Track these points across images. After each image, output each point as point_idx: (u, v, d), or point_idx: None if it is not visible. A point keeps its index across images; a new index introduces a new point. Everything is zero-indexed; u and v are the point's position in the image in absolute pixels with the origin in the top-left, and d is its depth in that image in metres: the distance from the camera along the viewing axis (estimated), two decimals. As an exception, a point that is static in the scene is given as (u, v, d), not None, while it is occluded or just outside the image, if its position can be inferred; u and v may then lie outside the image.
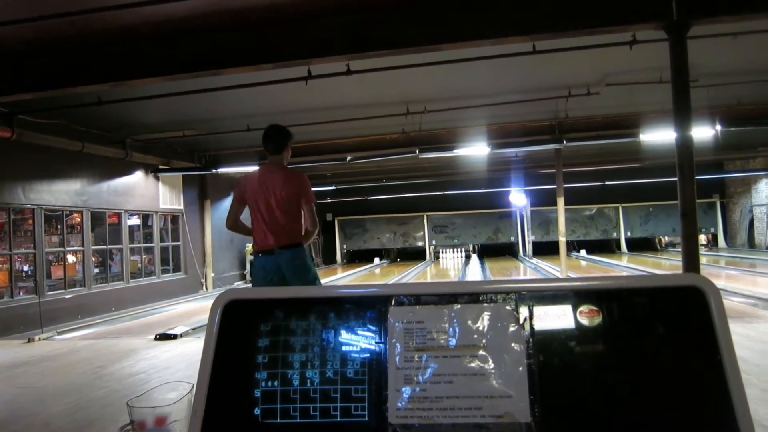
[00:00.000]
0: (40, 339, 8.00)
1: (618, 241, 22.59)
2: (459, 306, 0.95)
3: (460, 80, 8.60)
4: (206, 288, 14.83)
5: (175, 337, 7.42)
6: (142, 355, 6.41)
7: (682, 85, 5.04)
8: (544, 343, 0.91)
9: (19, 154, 9.10)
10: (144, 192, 12.79)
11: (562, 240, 13.25)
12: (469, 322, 0.94)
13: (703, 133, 10.31)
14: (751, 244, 19.75)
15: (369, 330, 0.97)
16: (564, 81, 8.92)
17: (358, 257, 23.47)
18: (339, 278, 17.44)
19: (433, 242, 23.29)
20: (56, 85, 6.41)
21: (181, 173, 13.99)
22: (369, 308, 0.98)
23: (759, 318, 7.19)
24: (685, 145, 5.05)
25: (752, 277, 13.00)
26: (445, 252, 23.24)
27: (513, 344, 0.91)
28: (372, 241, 23.51)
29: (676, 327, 0.90)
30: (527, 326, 0.92)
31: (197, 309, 11.27)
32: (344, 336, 0.97)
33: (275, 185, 4.37)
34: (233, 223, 4.59)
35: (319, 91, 7.90)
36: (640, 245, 22.43)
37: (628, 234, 22.44)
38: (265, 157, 4.65)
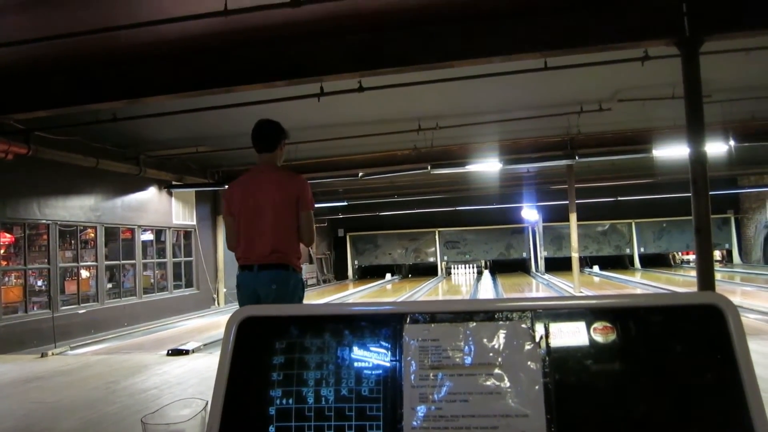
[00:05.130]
0: (53, 354, 8.03)
1: (631, 257, 22.47)
2: (474, 324, 0.95)
3: (471, 96, 8.62)
4: (218, 303, 14.85)
5: (187, 352, 7.42)
6: (154, 370, 6.42)
7: (695, 100, 5.04)
8: (560, 362, 0.90)
9: (35, 170, 9.20)
10: (157, 207, 12.88)
11: (575, 256, 13.20)
12: (485, 340, 0.93)
13: (717, 148, 10.25)
14: (766, 260, 19.56)
15: (384, 348, 0.96)
16: (576, 97, 8.92)
17: (369, 273, 23.45)
18: (350, 294, 17.43)
19: (445, 258, 23.25)
20: (72, 102, 6.52)
21: (194, 189, 14.08)
22: (384, 326, 0.98)
23: (776, 335, 7.09)
24: (698, 160, 5.03)
25: (767, 293, 12.84)
26: (457, 268, 23.19)
27: (529, 363, 0.90)
28: (384, 256, 23.51)
29: (694, 346, 0.89)
30: (543, 344, 0.92)
31: (209, 324, 11.28)
32: (359, 354, 0.97)
33: (267, 189, 3.56)
34: (235, 243, 3.67)
35: (331, 108, 7.95)
36: (654, 261, 22.27)
37: (642, 250, 22.32)
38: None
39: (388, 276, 22.80)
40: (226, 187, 3.93)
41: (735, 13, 5.07)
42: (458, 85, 7.21)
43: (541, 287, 17.12)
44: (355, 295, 17.46)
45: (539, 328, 0.93)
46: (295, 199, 3.53)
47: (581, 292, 13.27)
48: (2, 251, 9.15)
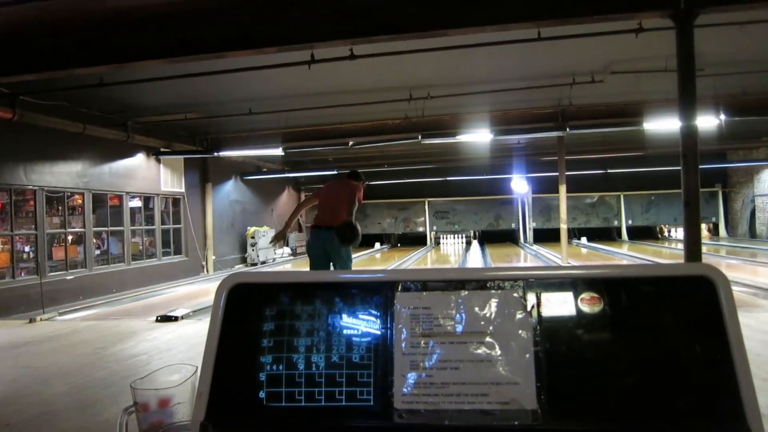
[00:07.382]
0: (41, 319, 8.01)
1: (619, 229, 22.60)
2: (466, 292, 0.95)
3: (464, 66, 8.55)
4: (207, 271, 14.85)
5: (176, 319, 7.42)
6: (143, 336, 6.42)
7: (687, 74, 5.02)
8: (551, 331, 0.90)
9: (21, 136, 9.08)
10: (145, 174, 12.78)
11: (564, 227, 13.26)
12: (476, 308, 0.93)
13: (707, 122, 10.27)
14: (753, 234, 19.77)
15: (375, 315, 0.96)
16: (568, 68, 8.87)
17: (358, 242, 23.42)
18: (339, 263, 17.42)
19: (434, 228, 23.30)
20: (58, 66, 6.38)
21: (182, 156, 13.96)
22: (375, 293, 0.97)
23: (759, 307, 7.19)
24: (689, 134, 5.03)
25: (753, 266, 13.00)
26: (446, 238, 23.25)
27: (520, 331, 0.91)
28: (373, 226, 23.49)
29: (684, 316, 0.89)
30: (534, 314, 0.92)
31: (198, 291, 11.29)
32: (350, 321, 0.97)
33: (341, 188, 6.47)
34: (302, 208, 6.90)
35: (322, 76, 7.87)
36: (641, 233, 22.43)
37: (629, 222, 22.45)
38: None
39: (377, 245, 22.84)
40: (322, 186, 6.81)
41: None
42: (451, 54, 7.15)
43: (529, 258, 17.23)
44: (344, 264, 17.45)
45: (531, 298, 0.93)
46: (356, 197, 6.35)
47: (569, 263, 13.38)
48: (-12, 216, 9.07)
